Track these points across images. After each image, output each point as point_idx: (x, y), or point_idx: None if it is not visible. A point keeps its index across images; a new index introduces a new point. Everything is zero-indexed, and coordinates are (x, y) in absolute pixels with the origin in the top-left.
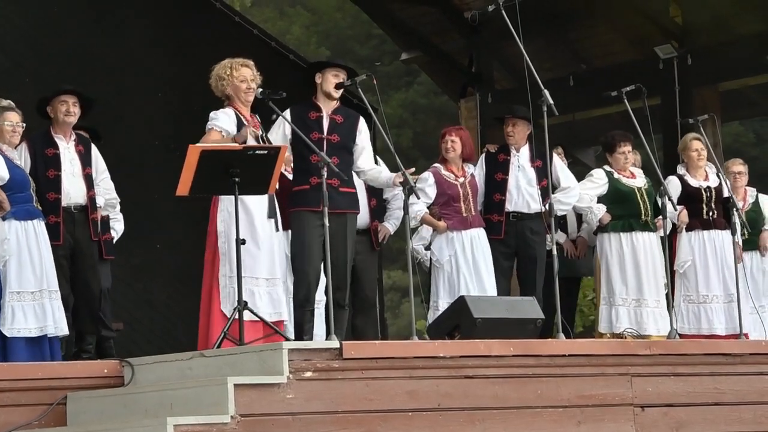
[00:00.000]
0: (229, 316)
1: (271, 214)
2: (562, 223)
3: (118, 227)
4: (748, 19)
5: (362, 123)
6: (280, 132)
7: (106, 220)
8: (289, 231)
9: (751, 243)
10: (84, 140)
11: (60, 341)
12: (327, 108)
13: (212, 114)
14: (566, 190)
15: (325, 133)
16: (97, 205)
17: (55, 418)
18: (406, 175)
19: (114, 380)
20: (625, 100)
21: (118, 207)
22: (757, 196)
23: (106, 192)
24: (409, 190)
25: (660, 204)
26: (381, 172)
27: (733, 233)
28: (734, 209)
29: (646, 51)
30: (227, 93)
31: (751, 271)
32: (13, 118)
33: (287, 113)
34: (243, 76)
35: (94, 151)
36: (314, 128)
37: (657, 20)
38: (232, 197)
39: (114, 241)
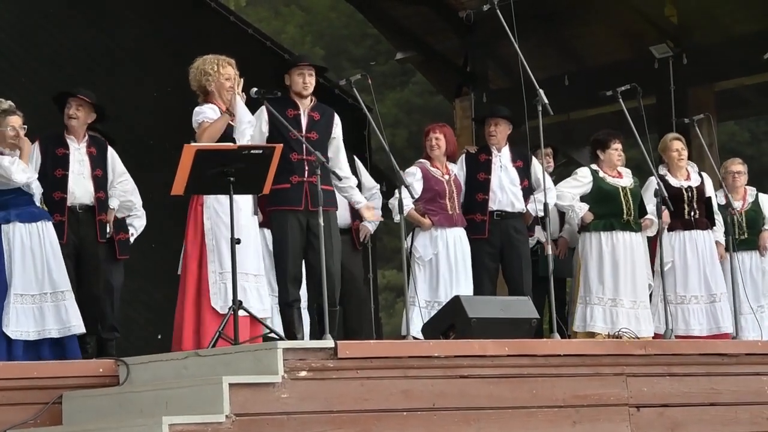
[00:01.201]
0: (220, 312)
1: (255, 211)
2: (543, 222)
3: (137, 223)
4: (743, 19)
5: (337, 118)
6: (257, 129)
7: (122, 221)
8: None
9: (750, 243)
10: (98, 142)
11: (77, 340)
12: (304, 105)
13: (198, 109)
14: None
15: (304, 131)
16: (111, 207)
17: (51, 418)
18: (407, 185)
19: (109, 379)
20: (621, 100)
21: (139, 203)
22: (757, 196)
23: (123, 194)
24: (404, 188)
25: (655, 204)
26: (353, 190)
27: (728, 233)
28: (715, 208)
29: (641, 50)
30: (209, 89)
31: (751, 271)
32: (15, 122)
33: (263, 111)
34: (228, 74)
35: (111, 153)
36: (293, 126)
37: (652, 19)
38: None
39: (133, 238)
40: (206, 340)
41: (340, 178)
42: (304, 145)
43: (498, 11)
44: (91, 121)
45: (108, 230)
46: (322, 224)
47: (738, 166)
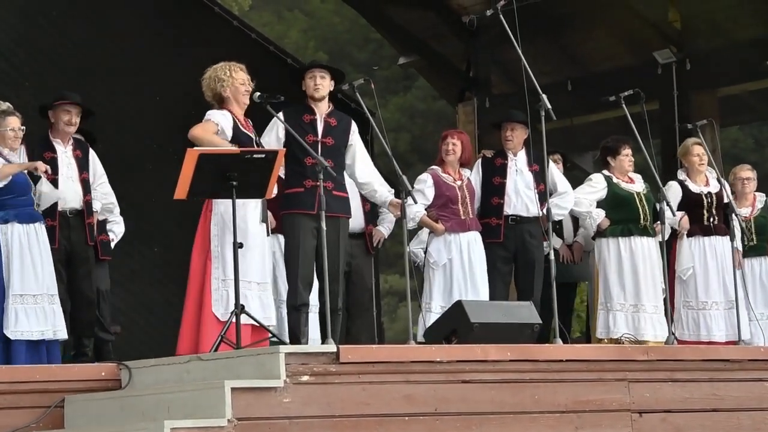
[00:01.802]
0: (220, 319)
1: (263, 219)
2: (558, 228)
3: (116, 229)
4: (747, 25)
5: (354, 125)
6: (273, 135)
7: (102, 222)
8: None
9: (759, 249)
10: (82, 145)
11: (59, 345)
12: (321, 111)
13: (210, 111)
14: (562, 195)
15: (320, 136)
16: (94, 210)
17: (53, 421)
18: (410, 190)
19: (111, 383)
20: (624, 105)
21: (118, 209)
22: (766, 202)
23: (104, 197)
24: (407, 192)
25: (658, 209)
26: (377, 192)
27: (732, 239)
28: (733, 215)
29: (644, 56)
30: (224, 95)
31: (760, 278)
32: (14, 123)
33: (281, 116)
34: (242, 78)
35: (92, 155)
36: (308, 131)
37: (656, 25)
38: (226, 200)
39: (113, 243)
40: (207, 346)
41: (341, 183)
42: (319, 150)
43: (501, 16)
44: None
45: (94, 233)
46: (324, 228)
47: (747, 173)
